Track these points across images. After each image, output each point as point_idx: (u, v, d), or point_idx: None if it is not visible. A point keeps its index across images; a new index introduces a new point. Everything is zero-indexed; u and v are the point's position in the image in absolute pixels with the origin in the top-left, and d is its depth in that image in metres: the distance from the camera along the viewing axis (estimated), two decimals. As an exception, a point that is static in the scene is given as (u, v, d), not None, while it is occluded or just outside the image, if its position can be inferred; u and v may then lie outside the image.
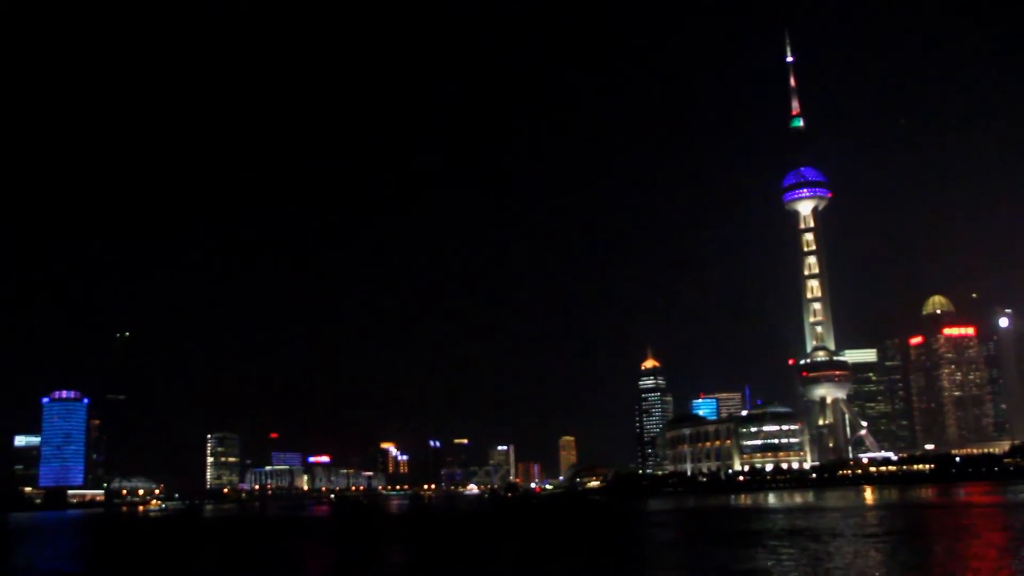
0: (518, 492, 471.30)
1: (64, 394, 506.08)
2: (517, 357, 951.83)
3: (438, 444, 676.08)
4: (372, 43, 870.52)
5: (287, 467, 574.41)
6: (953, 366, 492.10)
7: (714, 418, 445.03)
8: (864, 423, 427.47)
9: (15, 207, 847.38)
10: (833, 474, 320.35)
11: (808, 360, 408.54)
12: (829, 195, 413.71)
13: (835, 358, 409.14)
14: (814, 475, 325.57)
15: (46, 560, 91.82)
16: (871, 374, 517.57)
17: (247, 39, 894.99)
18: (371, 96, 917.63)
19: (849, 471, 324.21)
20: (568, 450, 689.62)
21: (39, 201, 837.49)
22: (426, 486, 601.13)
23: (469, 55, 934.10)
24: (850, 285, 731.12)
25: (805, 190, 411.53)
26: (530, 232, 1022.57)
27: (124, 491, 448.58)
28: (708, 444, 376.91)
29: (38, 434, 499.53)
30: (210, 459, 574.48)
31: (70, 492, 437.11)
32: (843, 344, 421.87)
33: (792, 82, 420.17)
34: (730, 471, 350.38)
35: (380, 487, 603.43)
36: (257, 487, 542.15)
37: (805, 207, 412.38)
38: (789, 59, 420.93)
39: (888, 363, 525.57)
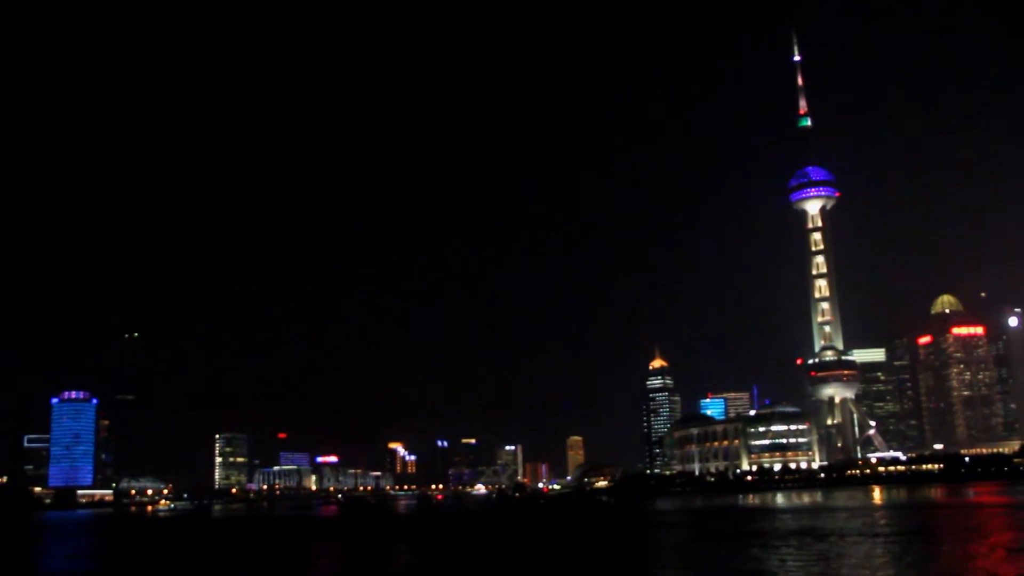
0: (526, 492, 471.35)
1: (73, 394, 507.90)
2: (524, 357, 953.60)
3: (446, 444, 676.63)
4: (372, 43, 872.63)
5: (295, 467, 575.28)
6: (962, 365, 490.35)
7: (722, 418, 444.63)
8: (872, 423, 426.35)
9: (15, 207, 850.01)
10: (841, 474, 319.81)
11: (816, 360, 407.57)
12: (837, 194, 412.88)
13: (843, 358, 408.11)
14: (822, 475, 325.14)
15: (59, 560, 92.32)
16: (879, 374, 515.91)
17: (247, 39, 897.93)
18: (371, 96, 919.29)
19: (858, 471, 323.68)
20: (576, 450, 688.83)
21: (39, 201, 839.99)
22: (434, 486, 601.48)
23: (469, 55, 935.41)
24: (858, 284, 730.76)
25: (813, 189, 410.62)
26: (530, 232, 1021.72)
27: (133, 491, 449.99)
28: (716, 444, 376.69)
29: (47, 434, 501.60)
30: (218, 459, 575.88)
31: (79, 492, 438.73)
32: (851, 344, 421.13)
33: (799, 81, 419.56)
34: (738, 471, 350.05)
35: (388, 487, 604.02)
36: (265, 487, 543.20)
37: (813, 206, 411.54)
38: (796, 58, 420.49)
39: (897, 363, 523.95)
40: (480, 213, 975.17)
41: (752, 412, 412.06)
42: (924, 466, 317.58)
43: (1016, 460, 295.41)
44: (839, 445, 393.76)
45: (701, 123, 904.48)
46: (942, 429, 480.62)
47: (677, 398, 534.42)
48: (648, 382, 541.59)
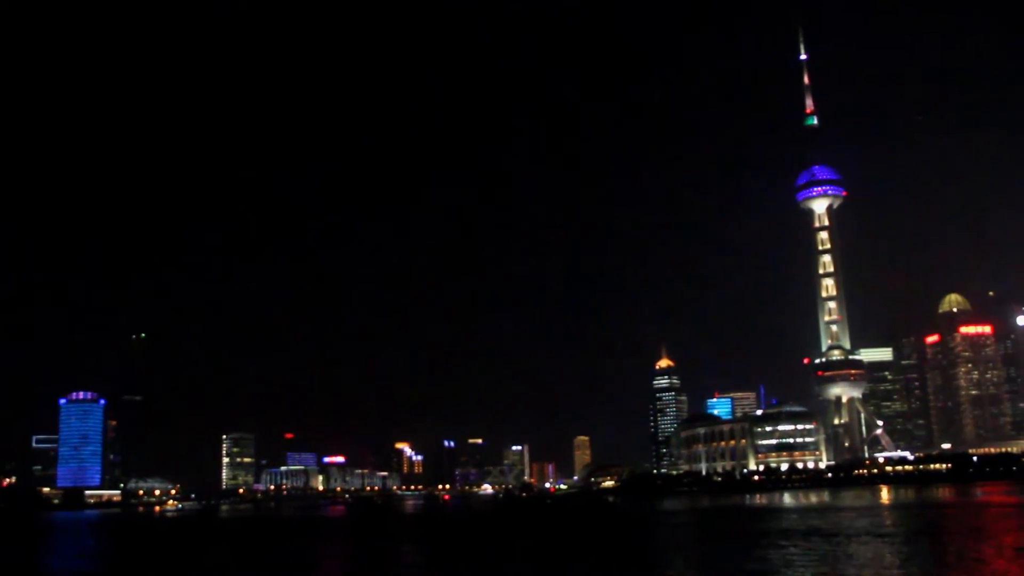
0: (533, 492, 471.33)
1: (81, 395, 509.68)
2: (530, 357, 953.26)
3: (452, 444, 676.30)
4: (372, 43, 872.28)
5: (302, 467, 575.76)
6: (970, 364, 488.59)
7: (729, 417, 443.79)
8: (880, 422, 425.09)
9: (15, 207, 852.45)
10: (849, 474, 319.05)
11: (823, 359, 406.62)
12: (844, 193, 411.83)
13: (850, 357, 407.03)
14: (830, 475, 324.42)
15: (66, 560, 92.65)
16: (887, 373, 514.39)
17: (247, 39, 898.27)
18: (371, 96, 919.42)
19: (865, 471, 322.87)
20: (582, 450, 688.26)
21: (39, 201, 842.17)
22: (441, 486, 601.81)
23: (469, 55, 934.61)
24: (865, 283, 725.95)
25: (819, 188, 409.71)
26: (531, 232, 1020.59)
27: (141, 491, 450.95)
28: (723, 444, 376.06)
29: (55, 435, 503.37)
30: (225, 459, 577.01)
31: (88, 492, 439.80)
32: (858, 343, 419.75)
33: (806, 80, 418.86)
34: (745, 471, 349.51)
35: (395, 487, 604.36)
36: (272, 487, 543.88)
37: (819, 205, 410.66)
38: (803, 57, 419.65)
39: (904, 362, 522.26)
40: (480, 213, 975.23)
41: (759, 412, 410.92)
42: (932, 466, 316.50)
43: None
44: (846, 445, 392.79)
45: (705, 122, 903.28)
46: (950, 429, 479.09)
47: (684, 398, 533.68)
48: (655, 382, 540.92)
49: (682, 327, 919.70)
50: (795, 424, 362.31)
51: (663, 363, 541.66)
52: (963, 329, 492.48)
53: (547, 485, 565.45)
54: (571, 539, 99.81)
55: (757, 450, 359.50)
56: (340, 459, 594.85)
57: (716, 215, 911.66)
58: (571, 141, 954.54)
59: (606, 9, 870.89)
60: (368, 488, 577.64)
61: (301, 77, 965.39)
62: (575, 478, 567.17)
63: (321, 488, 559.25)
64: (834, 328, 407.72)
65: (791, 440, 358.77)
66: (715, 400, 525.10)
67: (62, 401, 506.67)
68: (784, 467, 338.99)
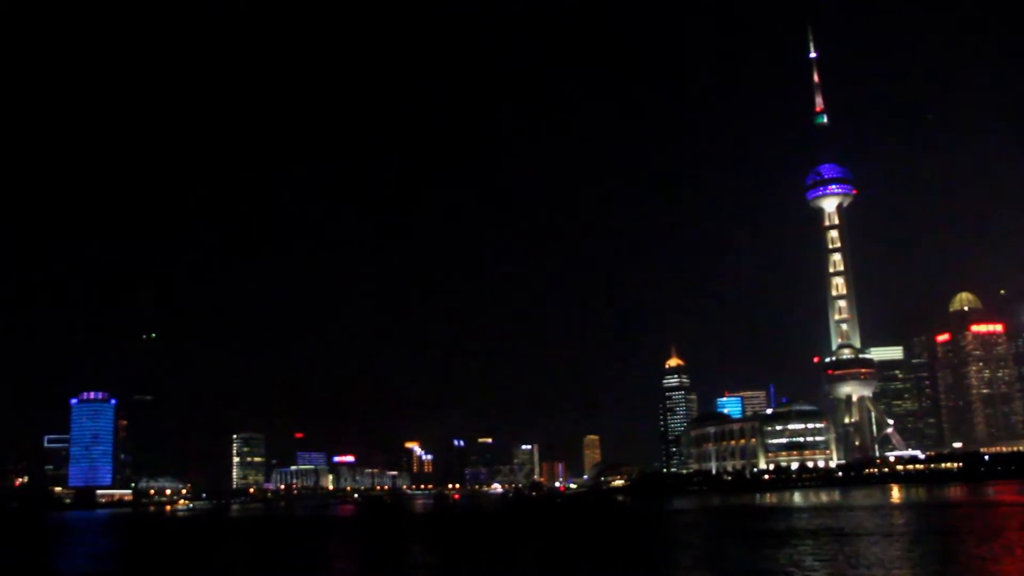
0: (542, 491, 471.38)
1: (92, 395, 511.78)
2: (539, 357, 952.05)
3: (462, 443, 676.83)
4: (372, 43, 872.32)
5: (312, 467, 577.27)
6: (981, 363, 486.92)
7: (739, 416, 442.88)
8: (890, 421, 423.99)
9: (15, 207, 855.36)
10: (860, 473, 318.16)
11: (833, 358, 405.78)
12: (854, 192, 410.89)
13: (861, 356, 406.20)
14: (840, 474, 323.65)
15: (79, 559, 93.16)
16: (897, 372, 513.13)
17: (247, 39, 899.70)
18: (371, 96, 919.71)
19: (876, 470, 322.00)
20: (592, 449, 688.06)
21: (39, 201, 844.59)
22: (450, 485, 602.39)
23: (469, 55, 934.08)
24: (876, 282, 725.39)
25: (829, 187, 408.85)
26: (531, 232, 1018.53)
27: (152, 491, 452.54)
28: (733, 443, 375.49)
29: (67, 434, 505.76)
30: (236, 459, 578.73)
31: (99, 492, 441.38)
32: (869, 342, 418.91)
33: (816, 78, 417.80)
34: (755, 470, 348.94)
35: (405, 486, 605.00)
36: (283, 487, 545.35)
37: (829, 204, 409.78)
38: (812, 55, 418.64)
39: (915, 360, 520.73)
40: (480, 213, 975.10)
41: (769, 411, 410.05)
42: (943, 465, 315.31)
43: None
44: (857, 444, 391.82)
45: (710, 122, 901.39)
46: (961, 427, 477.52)
47: (693, 397, 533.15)
48: (664, 381, 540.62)
49: (692, 326, 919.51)
50: (805, 423, 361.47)
51: (673, 362, 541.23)
52: (974, 328, 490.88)
53: (557, 484, 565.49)
54: (580, 539, 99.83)
55: (767, 449, 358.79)
56: (350, 458, 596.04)
57: (725, 214, 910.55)
58: (571, 141, 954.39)
59: (606, 9, 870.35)
60: (378, 488, 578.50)
61: (301, 77, 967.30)
62: (585, 477, 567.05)
63: (331, 487, 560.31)
64: (844, 327, 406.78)
65: (801, 439, 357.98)
66: (725, 399, 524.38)
67: (73, 401, 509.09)
68: (794, 466, 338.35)
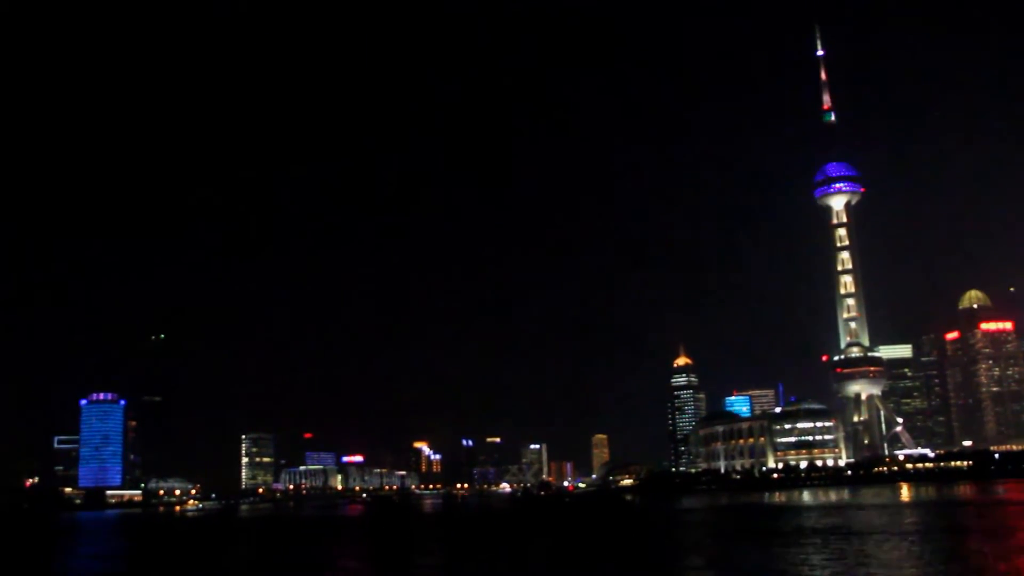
0: (551, 490, 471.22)
1: (101, 396, 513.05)
2: (547, 357, 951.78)
3: (471, 443, 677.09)
4: (372, 43, 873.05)
5: (321, 467, 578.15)
6: (991, 361, 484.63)
7: (747, 415, 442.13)
8: (900, 420, 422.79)
9: (15, 207, 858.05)
10: (869, 471, 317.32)
11: (842, 356, 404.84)
12: (862, 190, 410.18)
13: (869, 354, 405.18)
14: (849, 472, 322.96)
15: (87, 560, 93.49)
16: (906, 370, 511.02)
17: (247, 39, 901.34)
18: (371, 96, 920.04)
19: (885, 468, 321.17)
20: (601, 448, 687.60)
21: (39, 201, 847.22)
22: (459, 485, 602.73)
23: (469, 55, 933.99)
24: (884, 280, 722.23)
25: (837, 185, 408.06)
26: (532, 232, 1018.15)
27: (161, 491, 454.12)
28: (741, 441, 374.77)
29: (77, 435, 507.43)
30: (245, 459, 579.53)
31: (109, 492, 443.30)
32: (877, 340, 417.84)
33: (823, 76, 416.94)
34: (764, 469, 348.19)
35: (413, 486, 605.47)
36: (292, 487, 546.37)
37: (838, 202, 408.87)
38: (820, 53, 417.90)
39: (924, 359, 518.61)
40: (480, 213, 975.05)
41: (778, 409, 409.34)
42: (953, 463, 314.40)
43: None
44: (866, 442, 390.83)
45: (714, 121, 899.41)
46: (971, 426, 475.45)
47: (702, 396, 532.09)
48: (673, 380, 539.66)
49: (700, 325, 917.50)
50: (814, 422, 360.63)
51: (681, 361, 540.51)
52: (983, 325, 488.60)
53: (565, 484, 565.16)
54: (589, 538, 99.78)
55: (776, 448, 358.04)
56: (359, 458, 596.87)
57: (734, 213, 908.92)
58: (571, 141, 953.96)
59: (606, 9, 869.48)
60: (387, 487, 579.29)
61: (301, 77, 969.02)
62: (593, 476, 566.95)
63: (340, 488, 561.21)
64: (853, 325, 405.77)
65: (810, 438, 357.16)
66: (733, 398, 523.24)
67: (83, 402, 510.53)
68: (803, 465, 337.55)
